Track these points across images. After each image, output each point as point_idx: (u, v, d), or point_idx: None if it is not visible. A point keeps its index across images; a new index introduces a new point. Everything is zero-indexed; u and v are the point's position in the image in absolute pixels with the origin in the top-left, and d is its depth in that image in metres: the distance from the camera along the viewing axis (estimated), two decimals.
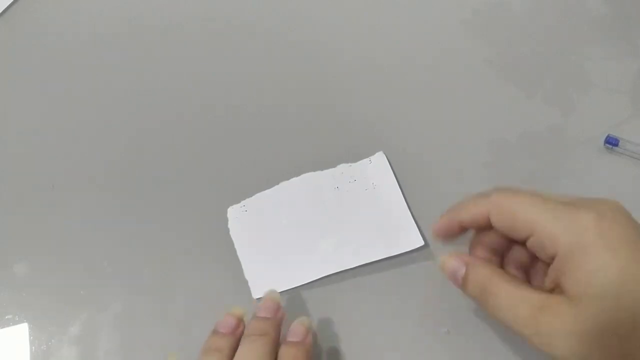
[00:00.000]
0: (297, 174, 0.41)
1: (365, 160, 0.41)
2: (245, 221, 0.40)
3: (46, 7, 0.51)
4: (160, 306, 0.38)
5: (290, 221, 0.40)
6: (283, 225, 0.40)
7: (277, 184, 0.41)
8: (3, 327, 0.39)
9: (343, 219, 0.39)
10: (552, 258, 0.28)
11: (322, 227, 0.39)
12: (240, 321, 0.34)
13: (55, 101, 0.47)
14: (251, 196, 0.41)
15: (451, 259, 0.32)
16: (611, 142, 0.39)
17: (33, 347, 0.38)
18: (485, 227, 0.32)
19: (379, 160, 0.41)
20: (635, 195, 0.39)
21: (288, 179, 0.41)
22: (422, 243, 0.37)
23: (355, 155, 0.41)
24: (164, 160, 0.43)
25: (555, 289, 0.29)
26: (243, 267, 0.39)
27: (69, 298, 0.39)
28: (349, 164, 0.41)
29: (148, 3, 0.51)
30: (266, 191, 0.41)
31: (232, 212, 0.41)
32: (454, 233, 0.33)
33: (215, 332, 0.34)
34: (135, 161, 0.44)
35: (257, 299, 0.38)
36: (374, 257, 0.37)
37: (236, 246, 0.39)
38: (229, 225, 0.40)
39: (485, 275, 0.30)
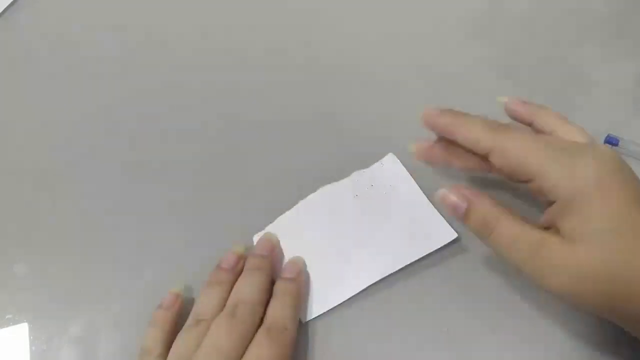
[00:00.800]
0: (313, 190, 0.40)
1: (377, 164, 0.41)
2: None
3: (46, 7, 0.51)
4: None
5: (319, 238, 0.39)
6: (312, 244, 0.39)
7: (296, 203, 0.40)
8: (3, 327, 0.39)
9: (370, 226, 0.38)
10: (551, 202, 0.30)
11: (352, 237, 0.38)
12: (240, 258, 0.38)
13: (55, 101, 0.47)
14: (272, 221, 0.40)
15: (452, 194, 0.32)
16: (611, 142, 0.39)
17: (33, 347, 0.38)
18: (478, 155, 0.33)
19: (390, 161, 0.40)
20: None
21: (304, 196, 0.40)
22: (455, 235, 0.36)
23: (365, 161, 0.41)
24: (164, 162, 0.43)
25: (552, 228, 0.30)
26: None
27: (69, 298, 0.39)
28: (362, 170, 0.40)
29: (149, 3, 0.51)
30: (287, 213, 0.40)
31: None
32: (441, 152, 0.35)
33: (217, 268, 0.37)
34: (136, 161, 0.44)
35: (307, 321, 0.36)
36: (411, 258, 0.36)
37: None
38: None
39: (486, 211, 0.31)
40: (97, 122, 0.45)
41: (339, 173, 0.40)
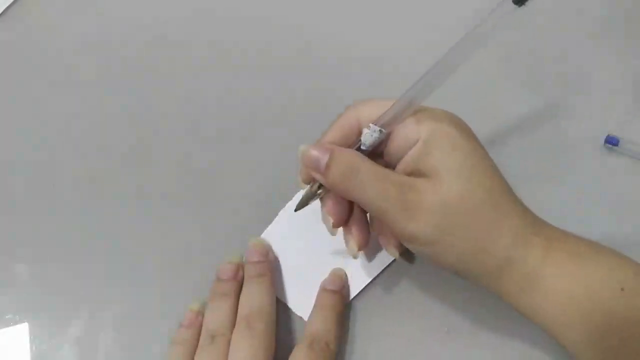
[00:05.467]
0: (290, 197, 0.40)
1: None
2: None
3: (46, 7, 0.51)
4: (160, 306, 0.38)
5: (309, 243, 0.38)
6: (303, 250, 0.38)
7: (275, 214, 0.40)
8: (3, 327, 0.39)
9: None
10: (411, 147, 0.31)
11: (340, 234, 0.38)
12: (239, 267, 0.37)
13: (55, 101, 0.47)
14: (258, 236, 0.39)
15: (312, 148, 0.31)
16: (611, 142, 0.40)
17: (33, 347, 0.38)
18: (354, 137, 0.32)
19: None
20: (635, 195, 0.39)
21: (283, 205, 0.40)
22: None
23: None
24: (164, 166, 0.43)
25: (411, 175, 0.31)
26: (287, 302, 0.38)
27: (69, 298, 0.39)
28: None
29: (150, 4, 0.51)
30: (270, 226, 0.40)
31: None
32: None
33: (217, 280, 0.37)
34: (137, 162, 0.43)
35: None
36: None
37: None
38: None
39: (350, 157, 0.30)
40: (98, 122, 0.45)
41: None
